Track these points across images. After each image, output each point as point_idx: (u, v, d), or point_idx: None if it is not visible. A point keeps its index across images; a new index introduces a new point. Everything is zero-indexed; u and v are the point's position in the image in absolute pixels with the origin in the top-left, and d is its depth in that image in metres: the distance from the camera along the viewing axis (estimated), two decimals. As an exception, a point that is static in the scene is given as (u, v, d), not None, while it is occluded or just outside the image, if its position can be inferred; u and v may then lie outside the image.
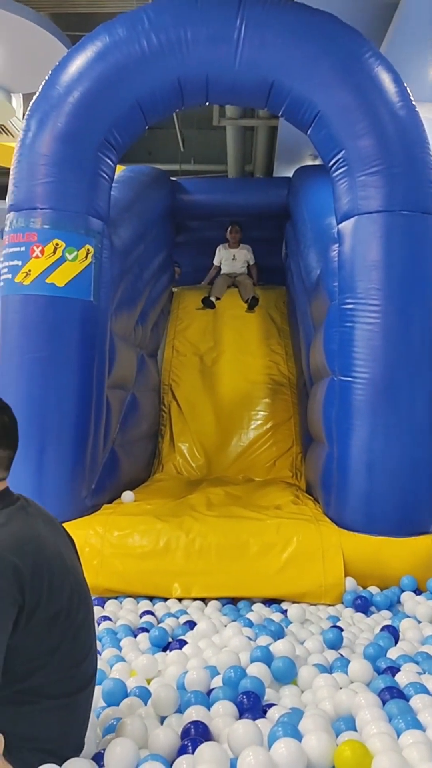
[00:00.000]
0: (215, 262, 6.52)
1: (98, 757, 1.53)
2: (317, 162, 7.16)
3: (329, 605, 3.11)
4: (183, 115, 8.87)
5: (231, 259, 6.47)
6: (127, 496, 3.91)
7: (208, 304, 6.13)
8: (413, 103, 3.53)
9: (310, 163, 7.16)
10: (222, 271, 6.49)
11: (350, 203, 3.47)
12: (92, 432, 3.61)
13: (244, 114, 7.67)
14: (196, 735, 1.57)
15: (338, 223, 3.60)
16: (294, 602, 3.11)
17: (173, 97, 3.68)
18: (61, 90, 3.49)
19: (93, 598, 3.08)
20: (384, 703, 1.72)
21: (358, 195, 3.42)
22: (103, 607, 3.01)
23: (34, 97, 3.59)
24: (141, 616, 2.89)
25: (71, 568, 1.57)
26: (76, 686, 1.46)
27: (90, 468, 3.62)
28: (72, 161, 3.46)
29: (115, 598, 3.15)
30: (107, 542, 3.25)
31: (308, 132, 3.71)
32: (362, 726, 1.59)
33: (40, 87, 3.58)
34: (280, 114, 3.81)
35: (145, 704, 1.83)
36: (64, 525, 3.35)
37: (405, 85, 3.54)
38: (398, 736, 1.54)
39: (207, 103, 3.90)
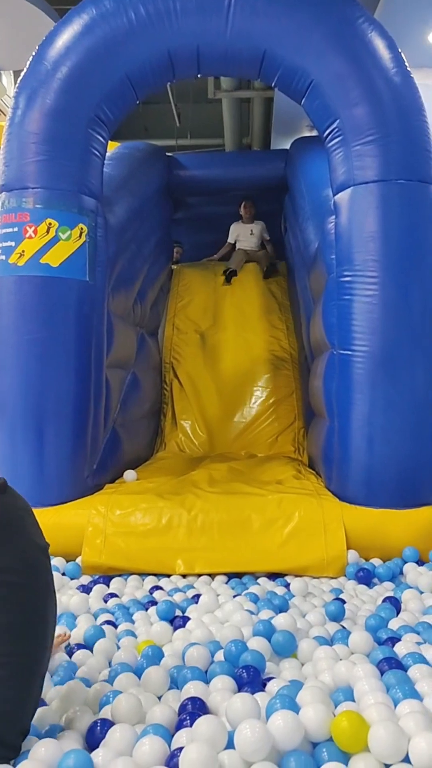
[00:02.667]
0: (230, 239, 6.47)
1: (92, 733, 1.55)
2: (315, 133, 7.06)
3: (332, 578, 3.12)
4: (178, 89, 8.74)
5: (249, 234, 6.41)
6: (130, 475, 3.93)
7: (229, 276, 6.12)
8: (408, 69, 3.46)
9: (307, 134, 7.06)
10: (239, 247, 6.45)
11: (346, 174, 3.41)
12: (92, 411, 3.61)
13: (239, 86, 7.56)
14: (193, 710, 1.59)
15: (334, 195, 3.55)
16: (297, 576, 3.13)
17: (163, 69, 3.62)
18: (48, 66, 3.43)
19: (98, 577, 3.13)
20: (382, 673, 1.73)
21: (354, 165, 3.36)
22: (108, 585, 3.03)
23: (22, 74, 3.53)
24: (151, 592, 2.91)
25: None
26: None
27: (91, 448, 3.63)
28: (62, 138, 3.42)
29: (120, 575, 3.18)
30: (110, 521, 3.27)
31: (302, 102, 3.64)
32: (360, 697, 1.60)
33: (28, 63, 3.53)
34: (273, 84, 3.74)
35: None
36: (67, 505, 3.41)
37: (400, 50, 3.46)
38: (395, 706, 1.55)
39: (199, 75, 3.83)
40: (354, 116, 3.35)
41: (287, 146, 5.97)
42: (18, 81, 3.56)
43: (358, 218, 3.37)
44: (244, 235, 6.44)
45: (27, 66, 3.53)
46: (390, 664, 1.78)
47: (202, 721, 1.44)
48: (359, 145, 3.34)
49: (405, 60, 3.45)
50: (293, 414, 5.30)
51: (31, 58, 3.53)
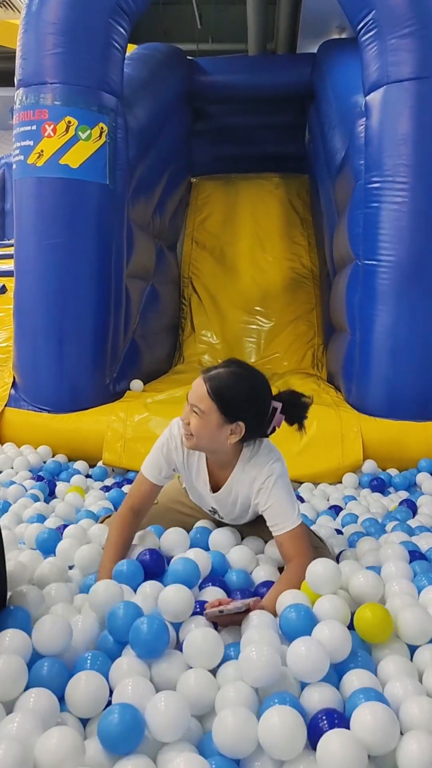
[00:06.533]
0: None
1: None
2: (344, 36, 6.68)
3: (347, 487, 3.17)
4: (200, -13, 8.25)
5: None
6: (136, 384, 3.94)
7: None
8: None
9: (336, 37, 6.67)
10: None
11: (379, 71, 3.23)
12: (112, 319, 3.59)
13: (266, -18, 7.09)
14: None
15: (366, 95, 3.37)
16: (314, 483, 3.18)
17: None
18: None
19: (121, 479, 3.21)
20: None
21: (389, 61, 3.18)
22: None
23: (39, -43, 3.32)
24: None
25: None
26: None
27: (111, 356, 3.64)
28: (82, 28, 3.25)
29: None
30: (129, 426, 3.31)
31: (335, -9, 3.41)
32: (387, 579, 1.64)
33: None
34: (305, -28, 3.49)
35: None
36: (87, 412, 3.45)
37: None
38: (420, 593, 1.59)
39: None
40: (390, 6, 3.13)
41: (314, 52, 5.65)
42: (34, -35, 3.35)
43: (390, 120, 3.22)
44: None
45: None
46: (413, 557, 1.81)
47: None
48: (395, 39, 3.14)
49: None
50: (313, 331, 5.25)
51: None
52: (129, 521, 1.77)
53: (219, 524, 2.00)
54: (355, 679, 1.23)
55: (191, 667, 1.28)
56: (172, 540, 1.84)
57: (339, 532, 2.29)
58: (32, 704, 1.16)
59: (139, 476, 1.83)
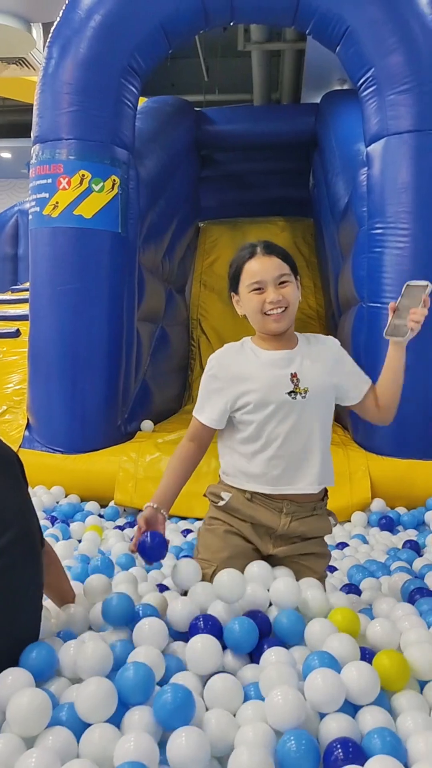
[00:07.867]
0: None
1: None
2: (346, 87, 6.93)
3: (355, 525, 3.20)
4: (206, 42, 8.58)
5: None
6: (147, 425, 4.02)
7: None
8: (446, 15, 3.38)
9: (338, 88, 6.91)
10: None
11: (379, 124, 3.38)
12: (123, 361, 3.69)
13: (269, 37, 7.38)
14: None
15: (367, 146, 3.52)
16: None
17: (197, 17, 3.58)
18: (82, 14, 3.42)
19: (133, 519, 3.25)
20: (414, 602, 1.80)
21: (388, 115, 3.33)
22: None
23: (55, 23, 3.53)
24: (184, 535, 3.02)
25: None
26: None
27: (123, 397, 3.72)
28: (96, 88, 3.42)
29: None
30: (140, 466, 3.38)
31: (337, 50, 3.59)
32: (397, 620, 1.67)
33: (61, 11, 3.52)
34: (307, 32, 3.68)
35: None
36: (100, 452, 3.52)
37: (438, -5, 3.38)
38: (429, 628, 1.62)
39: (232, 24, 3.79)
40: (389, 64, 3.30)
41: (317, 101, 5.87)
42: (51, 30, 3.56)
43: (391, 169, 3.35)
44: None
45: (60, 14, 3.52)
46: (422, 594, 1.85)
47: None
48: (394, 95, 3.30)
49: (443, 5, 3.37)
50: (319, 370, 5.33)
51: (64, 7, 3.52)
52: (189, 448, 1.86)
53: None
54: (368, 715, 1.26)
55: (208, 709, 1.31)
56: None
57: (334, 568, 2.35)
58: (51, 743, 1.18)
59: (192, 421, 1.88)
